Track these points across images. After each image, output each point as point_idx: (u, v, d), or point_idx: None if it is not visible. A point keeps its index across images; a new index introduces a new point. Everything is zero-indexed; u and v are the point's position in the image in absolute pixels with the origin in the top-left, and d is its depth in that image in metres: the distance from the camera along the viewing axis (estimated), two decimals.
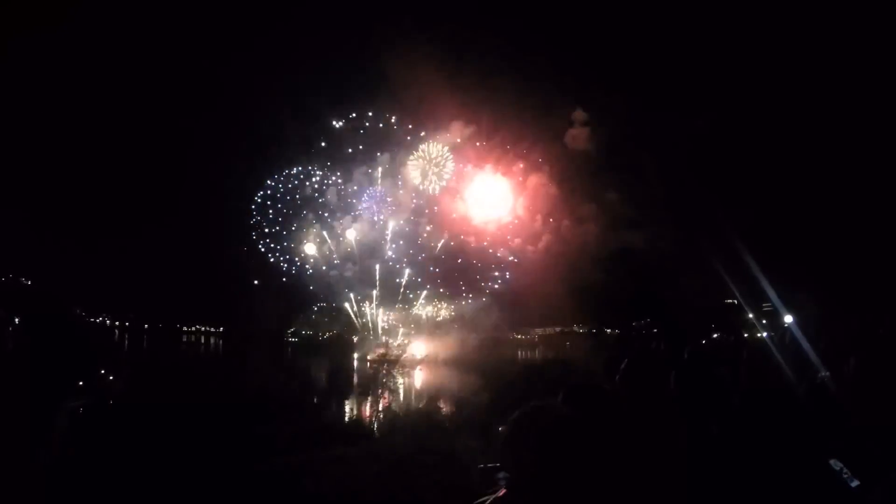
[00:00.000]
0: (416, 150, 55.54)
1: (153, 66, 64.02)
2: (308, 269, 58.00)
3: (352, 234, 55.40)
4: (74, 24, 55.16)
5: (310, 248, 57.35)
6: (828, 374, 4.46)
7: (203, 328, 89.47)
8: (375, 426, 18.16)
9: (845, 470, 2.11)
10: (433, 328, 58.81)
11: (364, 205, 56.29)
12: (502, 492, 2.29)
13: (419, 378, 20.44)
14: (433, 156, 55.47)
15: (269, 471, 10.64)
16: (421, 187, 55.18)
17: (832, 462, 2.18)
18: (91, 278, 61.00)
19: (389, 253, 55.09)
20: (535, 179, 54.95)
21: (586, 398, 3.25)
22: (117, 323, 78.47)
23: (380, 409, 18.84)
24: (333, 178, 58.07)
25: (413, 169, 55.00)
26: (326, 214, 57.73)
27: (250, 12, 70.51)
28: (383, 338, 46.42)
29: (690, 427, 3.19)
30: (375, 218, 56.01)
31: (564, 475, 2.13)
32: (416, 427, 16.59)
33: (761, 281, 20.45)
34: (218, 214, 60.05)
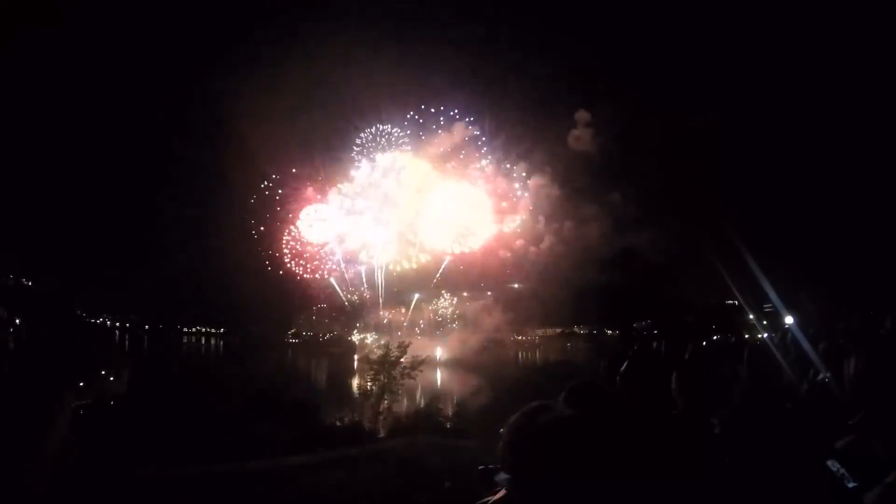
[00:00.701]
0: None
1: (156, 66, 64.05)
2: (309, 270, 58.17)
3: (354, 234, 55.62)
4: (78, 23, 55.22)
5: (312, 249, 57.53)
6: (828, 374, 4.46)
7: (204, 329, 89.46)
8: (376, 427, 18.14)
9: (843, 471, 2.11)
10: (435, 329, 58.91)
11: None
12: (502, 493, 2.29)
13: (420, 379, 20.38)
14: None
15: (269, 471, 10.65)
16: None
17: (830, 463, 2.18)
18: (92, 279, 61.11)
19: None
20: (536, 181, 55.08)
21: (587, 399, 3.25)
22: (118, 324, 78.54)
23: (380, 410, 18.81)
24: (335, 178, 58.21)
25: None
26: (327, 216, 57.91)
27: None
28: (384, 339, 46.44)
29: (691, 428, 3.19)
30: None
31: (565, 476, 2.13)
32: (417, 428, 16.60)
33: (762, 281, 20.44)
34: (219, 215, 60.07)
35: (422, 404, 22.24)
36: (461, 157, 57.76)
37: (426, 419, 18.34)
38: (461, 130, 56.47)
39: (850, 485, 2.05)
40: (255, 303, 59.51)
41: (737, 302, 29.83)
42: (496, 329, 57.53)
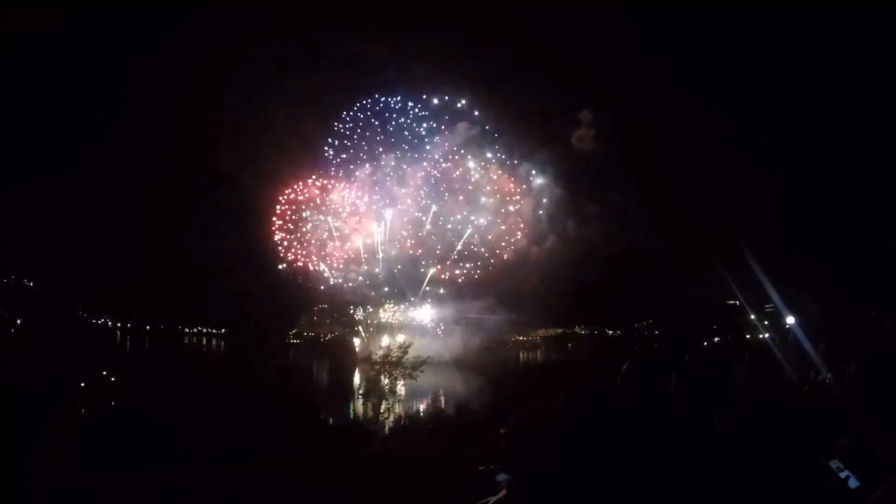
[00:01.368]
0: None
1: (162, 66, 64.10)
2: (312, 271, 58.19)
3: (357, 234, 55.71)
4: (83, 24, 55.26)
5: (315, 249, 57.57)
6: (829, 374, 4.45)
7: (205, 329, 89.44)
8: (377, 427, 18.14)
9: (845, 471, 2.10)
10: (436, 329, 58.88)
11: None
12: (503, 493, 2.29)
13: (421, 379, 20.39)
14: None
15: (269, 471, 10.65)
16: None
17: (832, 463, 2.18)
18: (93, 280, 61.10)
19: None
20: (539, 180, 55.12)
21: (588, 400, 3.25)
22: (119, 324, 78.56)
23: (381, 410, 18.81)
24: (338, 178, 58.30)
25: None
26: (331, 217, 57.96)
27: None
28: (386, 339, 46.45)
29: (692, 429, 3.19)
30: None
31: (565, 476, 2.13)
32: (418, 428, 16.60)
33: (763, 282, 20.44)
34: (219, 215, 60.05)
35: (422, 404, 22.26)
36: (464, 156, 57.96)
37: (427, 420, 18.34)
38: (463, 129, 56.62)
39: (853, 485, 2.04)
40: (256, 303, 59.55)
41: (738, 302, 29.85)
42: (498, 329, 57.56)
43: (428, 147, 58.28)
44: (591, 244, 51.04)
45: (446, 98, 58.12)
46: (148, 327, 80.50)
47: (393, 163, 58.15)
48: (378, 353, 20.57)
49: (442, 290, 59.44)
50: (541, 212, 56.57)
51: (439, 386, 25.31)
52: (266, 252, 59.46)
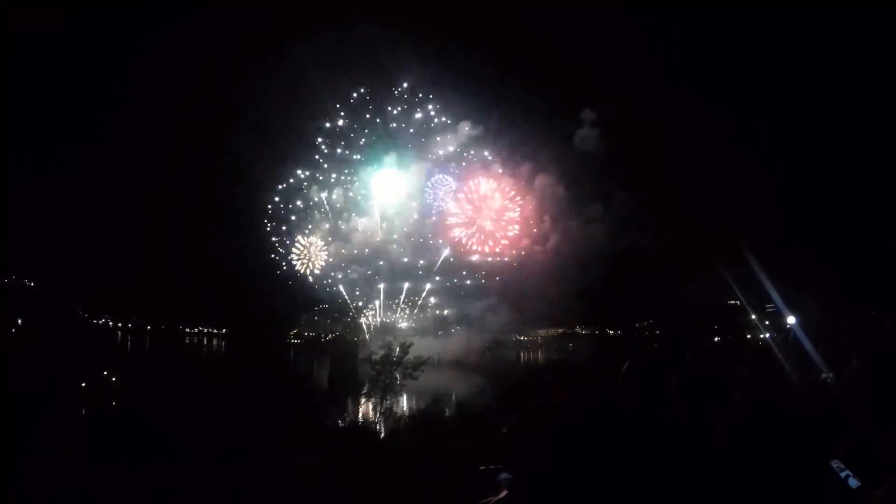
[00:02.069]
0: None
1: (162, 66, 64.11)
2: (313, 271, 58.18)
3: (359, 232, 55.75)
4: (85, 25, 55.27)
5: (316, 250, 57.57)
6: (830, 374, 4.45)
7: (206, 329, 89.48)
8: (378, 427, 18.14)
9: (846, 471, 2.10)
10: (437, 329, 58.85)
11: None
12: (504, 493, 2.29)
13: (422, 379, 20.38)
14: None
15: (270, 471, 10.65)
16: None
17: (833, 463, 2.17)
18: (94, 280, 61.13)
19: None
20: (541, 180, 55.16)
21: (588, 399, 3.25)
22: (120, 324, 78.59)
23: (382, 410, 18.80)
24: (340, 178, 58.33)
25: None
26: (332, 215, 57.97)
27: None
28: (387, 338, 46.43)
29: (692, 429, 3.19)
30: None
31: (566, 476, 2.13)
32: (418, 428, 16.59)
33: (763, 281, 20.42)
34: (219, 215, 60.08)
35: (423, 404, 22.24)
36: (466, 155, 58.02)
37: (428, 420, 18.32)
38: (466, 130, 56.66)
39: (853, 485, 2.04)
40: (256, 303, 59.57)
41: (738, 302, 29.84)
42: (499, 329, 57.54)
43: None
44: (592, 244, 51.06)
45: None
46: (148, 327, 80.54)
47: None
48: (379, 353, 20.52)
49: (444, 283, 59.44)
50: (545, 217, 56.59)
51: (440, 386, 25.30)
52: (266, 252, 59.47)
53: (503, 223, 58.36)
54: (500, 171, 57.75)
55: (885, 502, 1.76)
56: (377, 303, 60.65)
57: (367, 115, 59.25)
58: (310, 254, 59.19)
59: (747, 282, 23.11)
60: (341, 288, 59.62)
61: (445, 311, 60.81)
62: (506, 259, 57.72)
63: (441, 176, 58.28)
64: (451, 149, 58.31)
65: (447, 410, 20.87)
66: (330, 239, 58.70)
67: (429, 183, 58.16)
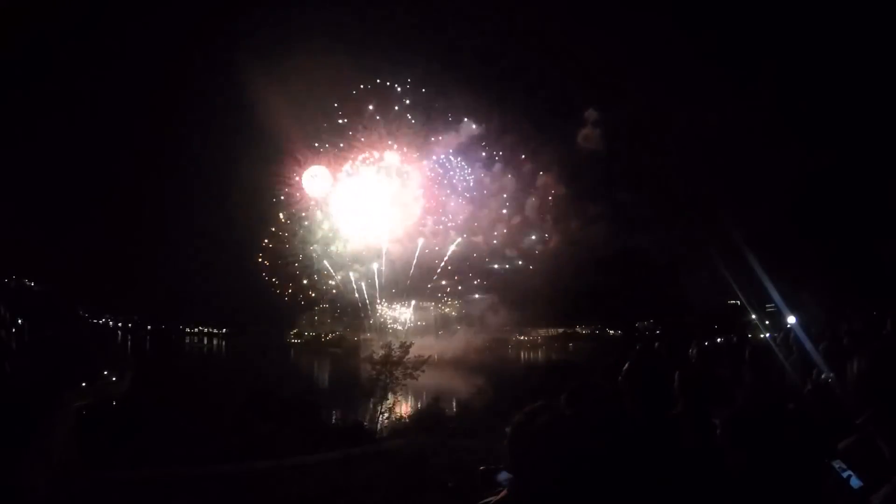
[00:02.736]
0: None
1: (163, 65, 64.18)
2: (314, 271, 58.17)
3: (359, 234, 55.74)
4: (86, 25, 55.34)
5: (316, 250, 57.58)
6: (831, 374, 4.45)
7: (206, 329, 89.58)
8: (378, 427, 18.13)
9: (848, 471, 2.09)
10: (438, 328, 58.89)
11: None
12: (504, 493, 2.29)
13: (422, 379, 20.36)
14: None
15: (269, 471, 10.64)
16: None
17: (835, 463, 2.17)
18: (95, 280, 61.19)
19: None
20: (542, 180, 55.20)
21: (589, 399, 3.25)
22: (120, 324, 78.71)
23: (382, 410, 18.79)
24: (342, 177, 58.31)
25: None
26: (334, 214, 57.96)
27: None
28: (387, 338, 46.40)
29: (692, 428, 3.18)
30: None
31: (567, 476, 2.12)
32: (418, 428, 16.57)
33: (764, 282, 20.43)
34: (220, 215, 60.12)
35: (424, 404, 22.20)
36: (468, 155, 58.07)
37: (428, 419, 18.31)
38: (467, 129, 56.70)
39: (855, 485, 2.04)
40: (257, 303, 59.61)
41: (739, 302, 29.82)
42: (499, 329, 57.56)
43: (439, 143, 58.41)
44: (593, 244, 51.11)
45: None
46: (149, 327, 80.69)
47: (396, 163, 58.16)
48: (379, 353, 20.48)
49: (445, 282, 59.41)
50: (546, 216, 56.62)
51: (440, 386, 25.28)
52: (267, 251, 59.46)
53: (503, 223, 58.40)
54: (502, 169, 57.78)
55: (887, 502, 1.76)
56: (377, 302, 60.66)
57: (368, 114, 59.21)
58: (310, 253, 59.20)
59: (748, 282, 23.12)
60: (342, 287, 59.62)
61: (446, 310, 60.86)
62: (519, 263, 57.67)
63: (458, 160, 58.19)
64: (450, 147, 58.26)
65: (447, 410, 20.85)
66: (331, 236, 58.68)
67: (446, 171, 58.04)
